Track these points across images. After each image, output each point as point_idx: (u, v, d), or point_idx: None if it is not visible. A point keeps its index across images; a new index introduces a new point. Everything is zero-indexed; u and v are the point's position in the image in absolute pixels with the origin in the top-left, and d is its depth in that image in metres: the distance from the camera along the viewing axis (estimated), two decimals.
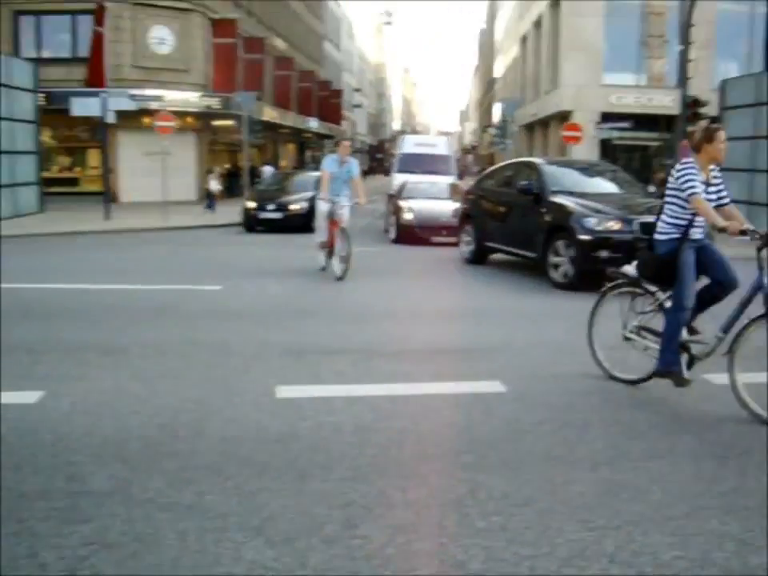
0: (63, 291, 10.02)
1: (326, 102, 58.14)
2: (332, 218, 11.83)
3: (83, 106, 23.47)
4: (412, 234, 17.67)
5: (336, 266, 11.58)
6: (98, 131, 31.86)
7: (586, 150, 26.83)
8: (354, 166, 12.17)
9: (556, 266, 11.15)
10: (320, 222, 12.30)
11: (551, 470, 4.24)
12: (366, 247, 17.24)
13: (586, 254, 10.59)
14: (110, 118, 23.58)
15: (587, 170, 14.13)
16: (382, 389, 5.70)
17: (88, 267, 13.08)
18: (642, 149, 35.62)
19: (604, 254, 10.39)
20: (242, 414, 5.09)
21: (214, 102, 32.73)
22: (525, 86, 45.72)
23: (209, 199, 28.45)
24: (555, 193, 11.66)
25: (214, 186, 29.39)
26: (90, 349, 6.79)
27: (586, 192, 11.91)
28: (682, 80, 18.36)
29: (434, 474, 4.18)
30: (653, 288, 5.78)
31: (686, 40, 18.08)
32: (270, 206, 20.62)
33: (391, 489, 3.94)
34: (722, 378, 6.07)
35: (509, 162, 15.26)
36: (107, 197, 23.77)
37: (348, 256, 11.41)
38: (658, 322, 5.76)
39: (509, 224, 12.79)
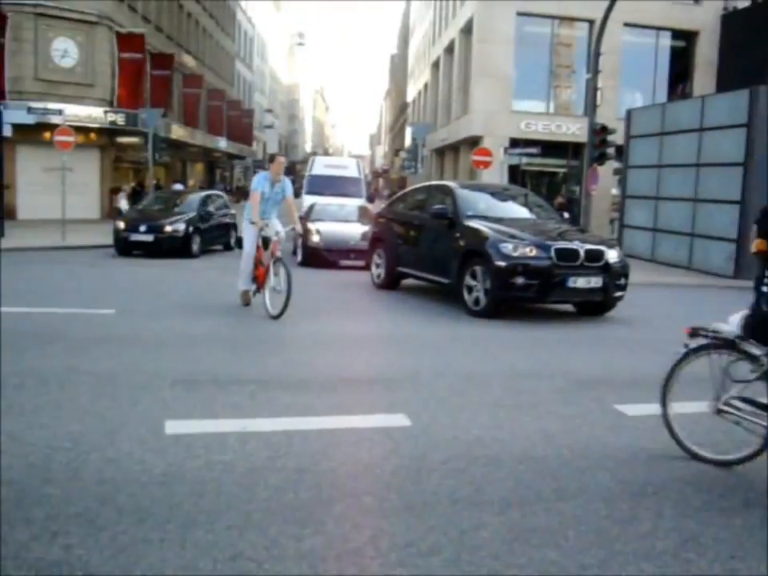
0: None
1: (237, 121, 57.55)
2: (264, 246, 10.42)
3: None
4: (319, 257, 17.38)
5: (269, 301, 10.07)
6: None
7: (495, 174, 26.98)
8: (288, 185, 10.65)
9: (470, 292, 10.87)
10: (248, 250, 10.59)
11: (458, 513, 3.93)
12: None
13: (502, 280, 10.34)
14: (6, 132, 22.59)
15: (500, 194, 13.97)
16: (279, 423, 5.31)
17: None
18: (550, 174, 36.19)
19: (520, 280, 10.25)
20: (124, 452, 4.63)
21: (119, 118, 31.79)
22: (436, 110, 46.04)
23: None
24: (470, 217, 11.42)
25: (124, 204, 28.47)
26: None
27: (501, 217, 11.69)
28: (591, 107, 18.63)
29: (332, 519, 3.82)
30: (757, 350, 4.68)
31: (594, 68, 18.36)
32: (142, 227, 18.76)
33: (284, 538, 3.57)
34: (634, 409, 5.92)
35: (421, 185, 14.97)
36: (1, 212, 22.65)
37: (288, 292, 9.74)
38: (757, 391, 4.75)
39: (422, 248, 12.51)
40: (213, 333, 8.81)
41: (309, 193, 24.80)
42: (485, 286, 10.53)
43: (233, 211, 22.71)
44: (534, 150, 25.55)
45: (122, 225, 19.13)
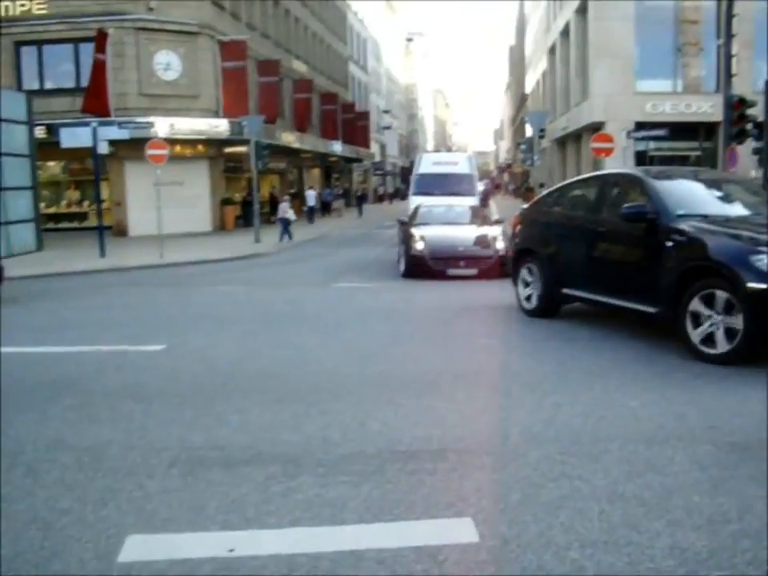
0: None
1: (352, 124, 56.54)
2: None
3: (72, 137, 21.94)
4: (424, 267, 15.45)
5: None
6: (103, 163, 30.79)
7: (618, 162, 24.57)
8: None
9: (698, 324, 7.37)
10: None
11: None
12: (369, 283, 15.38)
13: (761, 310, 6.87)
14: (102, 149, 21.96)
15: (710, 181, 10.09)
16: (288, 539, 3.67)
17: (24, 322, 11.24)
18: (681, 158, 33.28)
19: None
20: None
21: (224, 128, 31.04)
22: (555, 98, 43.64)
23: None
24: (683, 217, 8.04)
25: (291, 213, 27.69)
26: None
27: (726, 215, 8.35)
28: (726, 78, 16.22)
29: None
30: None
31: (727, 32, 15.94)
32: None
33: None
34: None
35: (585, 176, 11.45)
36: (101, 232, 22.07)
37: None
38: None
39: (603, 263, 9.07)
40: (265, 372, 7.28)
41: (416, 193, 23.35)
42: (730, 319, 7.07)
43: None
44: (661, 133, 23.05)
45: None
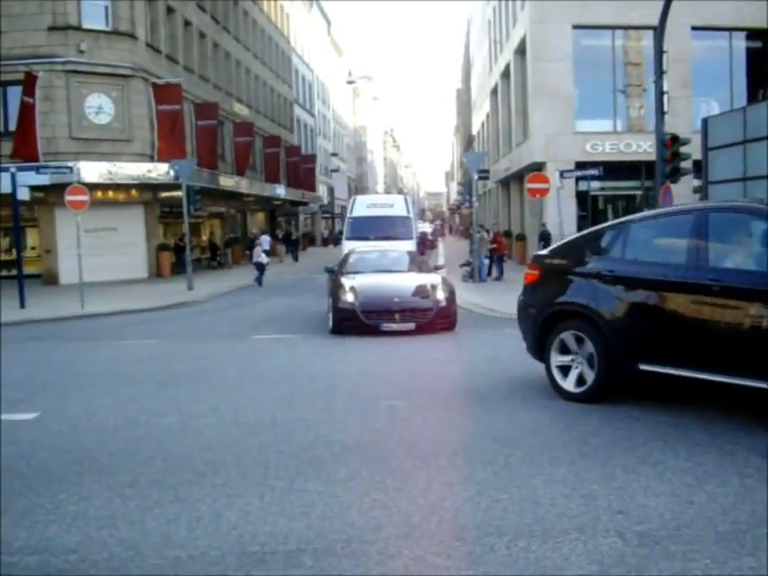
0: None
1: (297, 167, 55.97)
2: None
3: None
4: (354, 321, 13.43)
5: None
6: (31, 209, 29.72)
7: (554, 203, 24.12)
8: None
9: None
10: None
11: None
12: (291, 334, 14.40)
13: None
14: (23, 195, 21.06)
15: None
16: None
17: None
18: (626, 198, 33.13)
19: None
20: None
21: (158, 172, 30.13)
22: (498, 139, 43.52)
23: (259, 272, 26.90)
24: None
25: (264, 257, 27.37)
26: None
27: None
28: (658, 115, 15.81)
29: None
30: None
31: (659, 70, 15.58)
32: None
33: None
34: None
35: (669, 210, 8.73)
36: (20, 281, 20.94)
37: None
38: None
39: (717, 329, 6.65)
40: (130, 449, 6.41)
41: (350, 238, 22.41)
42: None
43: None
44: (594, 172, 22.51)
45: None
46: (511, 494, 4.88)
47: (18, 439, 6.80)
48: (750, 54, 32.30)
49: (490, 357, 10.89)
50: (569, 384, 7.70)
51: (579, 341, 7.66)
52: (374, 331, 13.32)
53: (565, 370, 7.80)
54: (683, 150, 15.65)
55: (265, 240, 37.10)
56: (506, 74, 38.97)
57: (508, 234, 37.66)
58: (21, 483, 5.47)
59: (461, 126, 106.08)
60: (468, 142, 79.89)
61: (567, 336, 7.77)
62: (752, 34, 31.93)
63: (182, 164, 25.59)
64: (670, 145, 15.29)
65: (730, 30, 31.40)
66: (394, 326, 13.40)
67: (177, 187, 29.95)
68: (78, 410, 7.93)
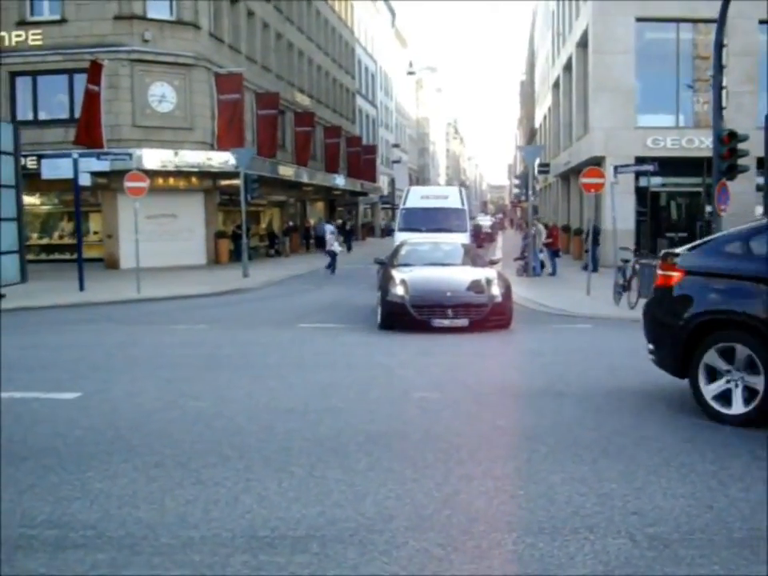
0: None
1: (358, 157, 56.09)
2: None
3: (53, 168, 21.51)
4: (404, 316, 12.77)
5: None
6: (94, 194, 30.38)
7: (609, 199, 23.63)
8: None
9: None
10: None
11: None
12: (339, 324, 14.48)
13: None
14: (84, 180, 21.48)
15: None
16: None
17: None
18: (689, 195, 32.48)
19: None
20: None
21: (218, 160, 30.56)
22: (558, 133, 43.05)
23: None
24: None
25: (336, 246, 28.27)
26: None
27: None
28: (716, 110, 15.48)
29: None
30: None
31: (718, 64, 15.25)
32: None
33: None
34: None
35: None
36: (80, 265, 21.45)
37: None
38: None
39: None
40: (164, 430, 6.55)
41: (403, 229, 22.21)
42: None
43: None
44: (649, 168, 22.07)
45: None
46: (528, 491, 4.87)
47: (57, 418, 7.01)
48: None
49: (531, 352, 10.83)
50: (725, 405, 6.57)
51: (736, 354, 6.55)
52: (424, 327, 12.62)
53: (722, 391, 6.63)
54: (741, 146, 15.26)
55: (328, 228, 37.24)
56: (567, 67, 38.50)
57: (566, 228, 37.29)
58: (53, 460, 5.64)
59: (524, 119, 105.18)
60: (531, 135, 79.20)
61: (725, 349, 6.61)
62: None
63: (241, 152, 25.88)
64: (728, 141, 14.95)
65: None
66: (446, 322, 12.62)
67: (236, 175, 30.31)
68: (119, 392, 8.13)
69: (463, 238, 21.09)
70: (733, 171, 15.19)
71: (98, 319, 15.64)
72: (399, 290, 13.01)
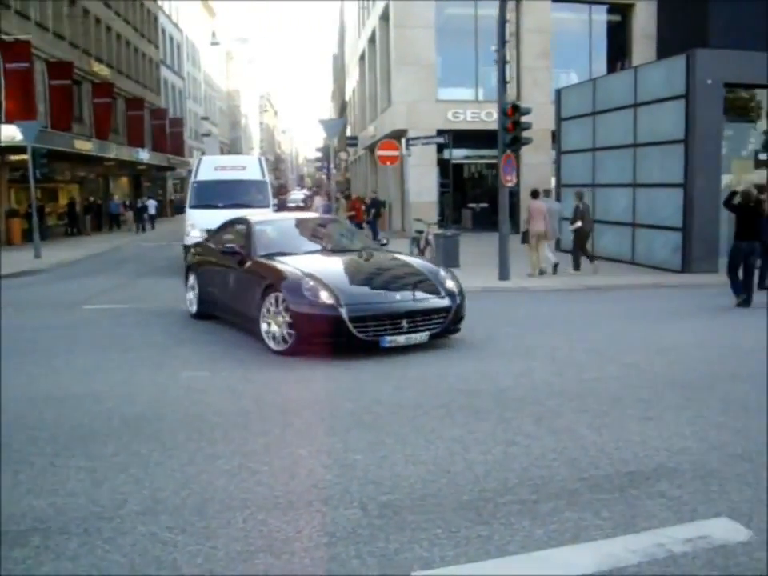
0: None
1: (163, 131, 54.29)
2: None
3: None
4: (337, 337, 8.36)
5: None
6: None
7: (425, 170, 24.23)
8: None
9: None
10: None
11: None
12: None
13: None
14: None
15: None
16: None
17: None
18: (491, 167, 33.67)
19: None
20: None
21: (5, 134, 28.62)
22: (365, 106, 43.43)
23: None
24: None
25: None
26: None
27: None
28: (501, 85, 15.96)
29: None
30: None
31: (501, 38, 15.71)
32: None
33: None
34: None
35: None
36: None
37: None
38: None
39: None
40: None
41: (195, 206, 19.77)
42: None
43: None
44: (440, 140, 22.52)
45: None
46: (272, 466, 4.82)
47: None
48: (611, 27, 33.24)
49: None
50: None
51: None
52: (369, 349, 8.46)
53: None
54: (524, 119, 15.83)
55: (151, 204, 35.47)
56: (372, 40, 38.81)
57: (375, 202, 37.72)
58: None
59: (337, 92, 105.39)
60: (342, 108, 79.48)
61: None
62: (612, 7, 32.86)
63: (27, 125, 24.30)
64: (511, 114, 15.42)
65: (591, 3, 32.24)
66: (402, 340, 8.60)
67: (25, 150, 28.65)
68: None
69: (268, 212, 19.81)
70: (516, 143, 15.71)
71: None
72: (323, 296, 8.44)
